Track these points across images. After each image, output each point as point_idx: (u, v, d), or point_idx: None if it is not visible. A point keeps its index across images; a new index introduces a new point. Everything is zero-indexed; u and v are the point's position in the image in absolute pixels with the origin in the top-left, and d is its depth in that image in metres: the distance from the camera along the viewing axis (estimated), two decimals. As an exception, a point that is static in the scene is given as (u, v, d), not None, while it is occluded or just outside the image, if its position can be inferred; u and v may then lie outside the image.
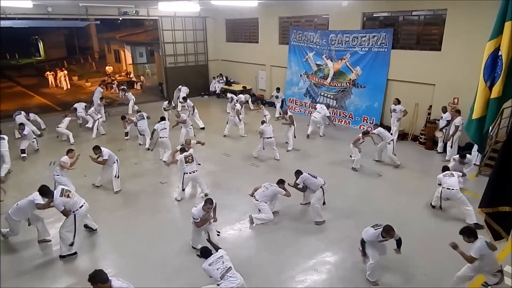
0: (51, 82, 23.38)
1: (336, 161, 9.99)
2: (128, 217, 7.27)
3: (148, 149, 10.96)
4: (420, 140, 11.11)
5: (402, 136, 11.54)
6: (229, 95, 14.96)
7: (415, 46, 11.41)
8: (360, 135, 9.20)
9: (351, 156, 9.61)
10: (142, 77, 23.75)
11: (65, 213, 5.84)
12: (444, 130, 10.06)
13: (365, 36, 12.41)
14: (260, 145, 9.99)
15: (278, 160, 9.90)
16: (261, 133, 9.86)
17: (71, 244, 5.89)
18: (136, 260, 5.88)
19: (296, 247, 6.19)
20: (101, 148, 8.02)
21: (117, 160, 8.25)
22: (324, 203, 6.84)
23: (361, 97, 12.99)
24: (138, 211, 7.52)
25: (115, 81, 21.69)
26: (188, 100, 13.36)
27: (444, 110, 10.11)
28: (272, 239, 6.45)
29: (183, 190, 7.84)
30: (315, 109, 12.32)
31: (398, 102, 11.06)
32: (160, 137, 9.79)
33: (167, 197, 8.16)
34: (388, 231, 4.98)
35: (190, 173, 7.62)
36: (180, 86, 16.43)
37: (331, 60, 13.76)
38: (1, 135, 9.21)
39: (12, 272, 5.65)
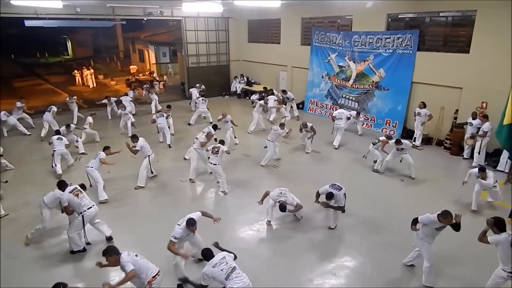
0: (78, 80, 24.16)
1: (356, 164, 9.82)
2: (146, 214, 7.38)
3: (169, 146, 11.14)
4: (445, 145, 10.77)
5: (426, 140, 11.21)
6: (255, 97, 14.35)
7: (441, 48, 11.09)
8: (384, 138, 9.06)
9: (376, 171, 9.31)
10: (165, 77, 24.17)
11: (67, 210, 5.93)
12: (475, 137, 9.68)
13: (390, 38, 12.16)
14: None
15: (262, 166, 9.66)
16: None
17: (84, 249, 5.99)
18: (152, 256, 5.95)
19: (314, 250, 6.14)
20: (138, 138, 8.48)
21: (149, 156, 8.48)
22: (343, 211, 6.75)
23: (384, 100, 12.74)
24: (157, 208, 7.65)
25: (156, 82, 20.59)
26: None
27: (474, 116, 9.68)
28: (290, 241, 6.42)
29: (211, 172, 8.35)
30: (335, 116, 11.31)
31: (424, 105, 10.76)
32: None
33: (186, 195, 8.26)
34: (445, 216, 4.81)
35: (211, 163, 7.98)
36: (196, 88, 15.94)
37: (354, 62, 13.56)
38: (60, 136, 9.47)
39: (27, 266, 5.85)
